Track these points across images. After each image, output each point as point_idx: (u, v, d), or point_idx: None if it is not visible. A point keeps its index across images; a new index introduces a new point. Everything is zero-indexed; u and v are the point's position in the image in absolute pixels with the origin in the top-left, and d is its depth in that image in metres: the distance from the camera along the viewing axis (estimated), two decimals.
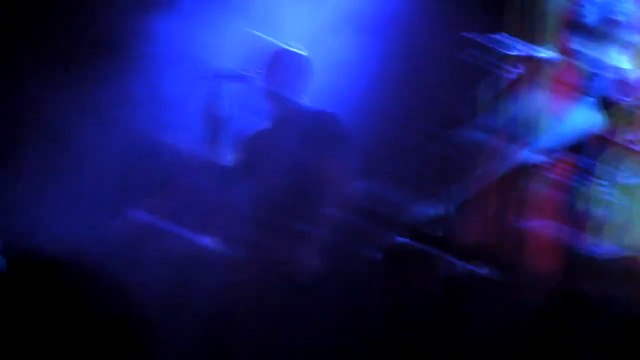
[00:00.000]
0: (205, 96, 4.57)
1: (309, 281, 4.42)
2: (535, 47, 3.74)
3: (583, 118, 3.52)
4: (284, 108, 4.70)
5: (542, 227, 3.98)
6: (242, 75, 4.56)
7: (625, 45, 3.66)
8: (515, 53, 3.69)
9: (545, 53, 3.73)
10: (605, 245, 3.44)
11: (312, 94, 4.85)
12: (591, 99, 3.55)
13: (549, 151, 3.47)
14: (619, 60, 3.65)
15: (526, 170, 3.49)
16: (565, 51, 3.78)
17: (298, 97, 4.72)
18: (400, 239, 3.76)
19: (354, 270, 6.07)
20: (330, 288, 4.95)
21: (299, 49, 4.77)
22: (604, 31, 3.66)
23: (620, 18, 3.64)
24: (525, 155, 3.47)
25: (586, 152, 3.59)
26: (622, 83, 3.53)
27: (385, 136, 6.13)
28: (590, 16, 3.67)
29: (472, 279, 3.83)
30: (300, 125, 4.61)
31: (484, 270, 3.75)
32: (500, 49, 3.67)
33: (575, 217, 3.56)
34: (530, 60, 3.72)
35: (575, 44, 3.73)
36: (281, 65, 4.69)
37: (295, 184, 4.53)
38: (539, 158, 3.45)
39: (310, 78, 4.74)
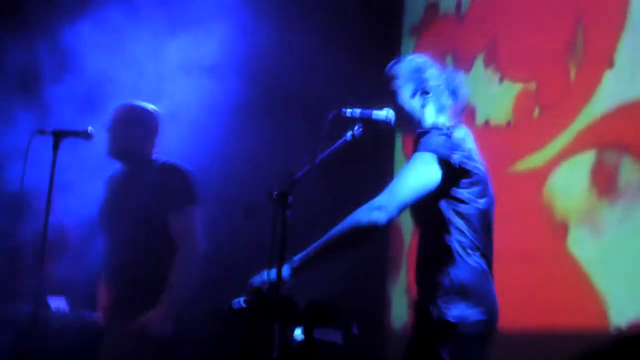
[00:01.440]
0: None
1: (159, 344, 4.31)
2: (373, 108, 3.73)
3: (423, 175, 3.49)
4: (132, 164, 4.60)
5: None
6: (84, 132, 4.44)
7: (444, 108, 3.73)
8: (352, 114, 3.68)
9: (382, 114, 3.71)
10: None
11: (166, 148, 4.77)
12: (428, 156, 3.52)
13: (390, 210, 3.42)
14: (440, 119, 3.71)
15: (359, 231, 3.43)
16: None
17: (149, 152, 4.62)
18: (239, 303, 3.68)
19: (200, 332, 6.01)
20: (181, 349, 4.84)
21: (147, 104, 4.68)
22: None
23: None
24: (360, 215, 3.43)
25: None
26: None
27: (233, 195, 6.11)
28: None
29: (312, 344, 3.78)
30: (147, 180, 4.51)
31: (322, 335, 3.71)
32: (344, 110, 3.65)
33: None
34: (368, 121, 3.70)
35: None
36: (129, 120, 4.59)
37: (142, 242, 4.42)
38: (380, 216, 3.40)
39: (159, 132, 4.66)
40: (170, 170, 4.52)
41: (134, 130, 4.59)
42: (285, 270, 3.44)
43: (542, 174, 5.58)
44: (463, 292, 3.43)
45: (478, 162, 3.58)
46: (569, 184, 5.41)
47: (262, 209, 3.46)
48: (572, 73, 5.50)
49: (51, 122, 4.70)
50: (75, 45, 5.89)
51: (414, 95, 3.71)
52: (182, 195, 4.47)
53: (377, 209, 3.41)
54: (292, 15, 6.57)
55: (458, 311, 3.41)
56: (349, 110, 3.69)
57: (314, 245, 3.47)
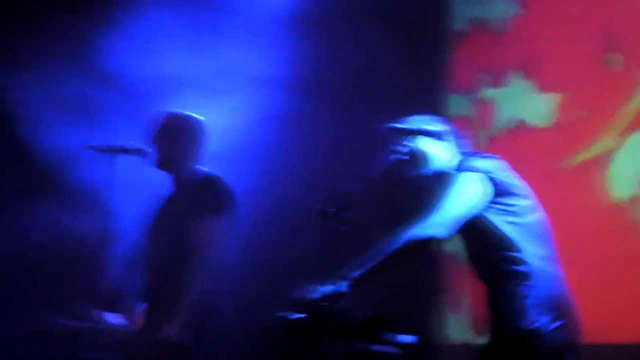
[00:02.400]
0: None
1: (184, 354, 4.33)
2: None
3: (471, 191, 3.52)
4: (176, 175, 4.62)
5: None
6: (136, 148, 4.48)
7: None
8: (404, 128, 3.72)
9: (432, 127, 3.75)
10: None
11: (212, 159, 4.80)
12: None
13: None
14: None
15: (418, 246, 3.46)
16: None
17: (192, 163, 4.62)
18: (293, 315, 3.72)
19: (245, 344, 6.04)
20: None
21: (191, 113, 4.69)
22: None
23: None
24: (418, 231, 3.46)
25: None
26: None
27: (280, 209, 6.14)
28: None
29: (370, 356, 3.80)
30: (185, 193, 4.53)
31: (380, 348, 3.72)
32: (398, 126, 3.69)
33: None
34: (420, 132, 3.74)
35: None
36: (172, 129, 4.60)
37: (174, 253, 4.45)
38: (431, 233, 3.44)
39: (202, 141, 4.66)
40: (205, 180, 4.53)
41: (177, 138, 4.59)
42: (343, 285, 3.45)
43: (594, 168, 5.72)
44: (549, 302, 3.47)
45: (521, 182, 3.64)
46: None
47: (311, 224, 3.48)
48: (611, 73, 5.76)
49: (106, 137, 4.72)
50: (123, 57, 5.96)
51: (439, 133, 3.76)
52: (209, 206, 4.46)
53: (435, 225, 3.45)
54: (340, 25, 6.61)
55: (546, 321, 3.45)
56: (400, 125, 3.73)
57: (370, 259, 3.49)
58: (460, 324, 6.61)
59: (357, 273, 3.49)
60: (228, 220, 4.48)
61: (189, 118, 4.66)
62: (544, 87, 6.25)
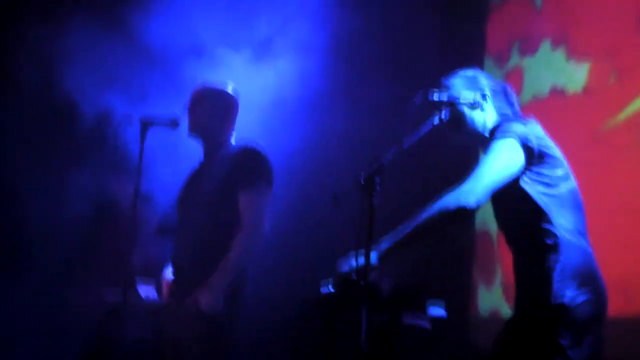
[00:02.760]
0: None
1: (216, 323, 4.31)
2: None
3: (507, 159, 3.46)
4: (211, 145, 4.62)
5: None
6: (171, 118, 4.46)
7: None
8: (439, 97, 3.65)
9: (469, 97, 3.69)
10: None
11: (250, 131, 4.78)
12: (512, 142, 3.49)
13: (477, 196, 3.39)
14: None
15: (448, 216, 3.40)
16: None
17: (226, 133, 4.62)
18: (327, 289, 3.69)
19: (279, 318, 6.03)
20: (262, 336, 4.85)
21: (225, 86, 4.69)
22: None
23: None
24: (448, 201, 3.40)
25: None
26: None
27: (317, 180, 6.12)
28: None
29: (400, 328, 3.78)
30: (224, 162, 4.52)
31: (410, 320, 3.70)
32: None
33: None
34: (453, 105, 3.67)
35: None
36: (207, 101, 4.61)
37: (213, 222, 4.43)
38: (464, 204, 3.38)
39: (237, 112, 4.66)
40: (245, 151, 4.52)
41: (212, 108, 4.60)
42: (373, 256, 3.41)
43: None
44: (576, 276, 3.41)
45: (556, 149, 3.57)
46: None
47: (350, 195, 3.44)
48: None
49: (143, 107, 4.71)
50: (152, 32, 5.96)
51: (473, 102, 3.67)
52: (252, 175, 4.46)
53: (464, 195, 3.39)
54: None
55: (572, 294, 3.39)
56: (436, 95, 3.66)
57: (402, 230, 3.45)
58: (492, 296, 6.56)
59: (386, 245, 3.44)
60: (271, 191, 4.47)
61: (223, 89, 4.67)
62: (577, 55, 6.21)
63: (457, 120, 3.69)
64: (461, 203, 3.38)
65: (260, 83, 5.75)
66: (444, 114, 3.65)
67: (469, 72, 3.82)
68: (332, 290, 3.62)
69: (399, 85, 6.01)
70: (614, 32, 5.89)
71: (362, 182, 3.38)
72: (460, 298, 6.75)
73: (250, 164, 4.47)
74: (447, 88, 3.74)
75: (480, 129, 3.71)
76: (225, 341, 4.38)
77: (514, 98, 3.81)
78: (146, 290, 5.20)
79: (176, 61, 5.84)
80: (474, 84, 3.75)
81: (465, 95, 3.70)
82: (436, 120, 3.63)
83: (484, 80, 3.79)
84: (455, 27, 6.79)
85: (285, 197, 4.94)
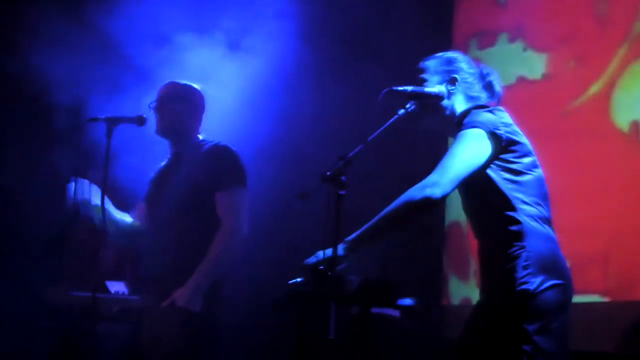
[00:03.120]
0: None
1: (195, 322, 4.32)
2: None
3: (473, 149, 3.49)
4: (180, 143, 4.61)
5: None
6: (138, 117, 4.46)
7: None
8: (404, 91, 3.68)
9: (434, 89, 3.71)
10: None
11: (216, 129, 4.78)
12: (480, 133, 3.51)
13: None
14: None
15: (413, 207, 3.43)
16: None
17: (193, 132, 4.62)
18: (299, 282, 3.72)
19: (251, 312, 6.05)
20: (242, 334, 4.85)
21: (192, 82, 4.68)
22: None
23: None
24: (414, 192, 3.42)
25: None
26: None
27: (287, 177, 6.12)
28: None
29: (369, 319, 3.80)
30: (196, 160, 4.52)
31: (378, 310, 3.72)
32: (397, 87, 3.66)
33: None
34: (420, 97, 3.69)
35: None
36: (173, 100, 4.60)
37: (187, 222, 4.43)
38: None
39: (204, 109, 4.66)
40: (221, 151, 4.53)
41: (180, 106, 4.60)
42: (340, 249, 3.43)
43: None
44: (540, 263, 3.45)
45: (523, 137, 3.60)
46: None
47: (317, 190, 3.46)
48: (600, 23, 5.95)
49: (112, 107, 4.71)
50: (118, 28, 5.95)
51: (437, 93, 3.70)
52: (232, 176, 4.47)
53: (430, 186, 3.43)
54: None
55: (537, 281, 3.42)
56: (400, 88, 3.68)
57: (368, 223, 3.47)
58: (463, 285, 6.61)
59: (352, 236, 3.46)
60: (247, 192, 4.48)
61: (190, 87, 4.67)
62: (535, 45, 6.37)
63: (422, 110, 3.71)
64: (426, 194, 3.41)
65: (229, 76, 5.75)
66: (409, 105, 3.68)
67: (449, 54, 3.84)
68: (299, 284, 3.65)
69: (367, 77, 6.05)
70: (570, 22, 6.08)
71: (328, 176, 3.40)
72: (432, 290, 6.79)
73: (226, 165, 4.48)
74: (422, 70, 3.76)
75: (448, 115, 3.72)
76: (203, 340, 4.39)
77: (493, 83, 3.82)
78: (117, 287, 5.20)
79: (142, 54, 5.84)
80: (448, 66, 3.77)
81: (430, 85, 3.72)
82: (401, 112, 3.66)
83: (462, 64, 3.80)
84: (423, 18, 6.81)
85: (255, 193, 4.94)
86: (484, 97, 3.79)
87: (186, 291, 4.31)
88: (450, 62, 3.79)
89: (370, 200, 4.03)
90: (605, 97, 5.84)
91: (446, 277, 6.87)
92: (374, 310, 3.55)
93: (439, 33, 6.92)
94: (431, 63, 3.79)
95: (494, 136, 3.52)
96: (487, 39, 6.74)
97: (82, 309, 4.92)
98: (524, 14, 6.47)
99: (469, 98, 3.75)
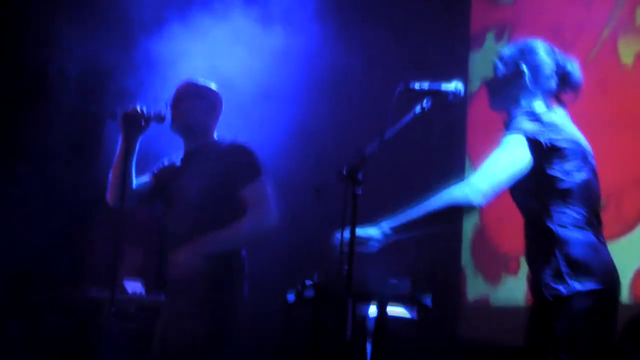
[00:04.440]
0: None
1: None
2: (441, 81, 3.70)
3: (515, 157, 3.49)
4: (195, 141, 4.59)
5: None
6: (157, 114, 4.44)
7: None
8: (420, 87, 3.64)
9: (451, 86, 3.68)
10: None
11: (233, 128, 4.78)
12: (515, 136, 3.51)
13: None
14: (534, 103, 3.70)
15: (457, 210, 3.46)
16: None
17: (209, 131, 4.60)
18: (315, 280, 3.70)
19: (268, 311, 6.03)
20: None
21: (209, 83, 4.67)
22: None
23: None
24: (459, 195, 3.44)
25: None
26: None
27: (304, 174, 6.12)
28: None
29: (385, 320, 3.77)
30: (213, 159, 4.50)
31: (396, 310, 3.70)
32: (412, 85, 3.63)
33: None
34: (437, 93, 3.66)
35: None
36: (190, 98, 4.58)
37: (207, 220, 4.41)
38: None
39: (221, 109, 4.64)
40: (238, 149, 4.51)
41: (196, 104, 4.57)
42: (377, 233, 3.44)
43: None
44: (574, 269, 3.43)
45: (572, 137, 3.56)
46: None
47: (333, 187, 3.44)
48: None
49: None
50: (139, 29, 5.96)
51: (455, 91, 3.66)
52: (252, 170, 4.45)
53: (474, 192, 3.43)
54: None
55: (570, 286, 3.42)
56: (417, 84, 3.65)
57: (407, 214, 3.46)
58: (482, 284, 6.59)
59: (393, 224, 3.46)
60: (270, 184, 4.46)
61: (207, 87, 4.65)
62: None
63: (496, 89, 3.73)
64: (470, 200, 3.42)
65: (245, 74, 5.75)
66: (425, 103, 3.64)
67: (530, 43, 3.77)
68: (315, 282, 3.64)
69: (383, 75, 6.03)
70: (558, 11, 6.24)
71: (344, 173, 3.38)
72: (448, 287, 6.77)
73: (245, 162, 4.46)
74: (500, 56, 3.74)
75: (510, 105, 3.70)
76: (221, 339, 4.36)
77: (571, 72, 3.74)
78: (134, 287, 5.20)
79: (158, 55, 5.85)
80: (521, 57, 3.71)
81: (499, 74, 3.71)
82: (418, 110, 3.63)
83: (537, 56, 3.72)
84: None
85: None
86: (553, 89, 3.72)
87: (188, 249, 4.28)
88: (525, 52, 3.73)
89: (387, 194, 4.01)
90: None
91: (464, 274, 6.84)
92: (390, 311, 3.54)
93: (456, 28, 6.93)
94: (507, 51, 3.76)
95: (534, 143, 3.49)
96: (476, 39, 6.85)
97: (99, 307, 4.92)
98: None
99: (536, 92, 3.70)
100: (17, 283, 5.85)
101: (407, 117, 3.59)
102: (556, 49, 3.77)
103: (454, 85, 3.67)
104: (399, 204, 3.53)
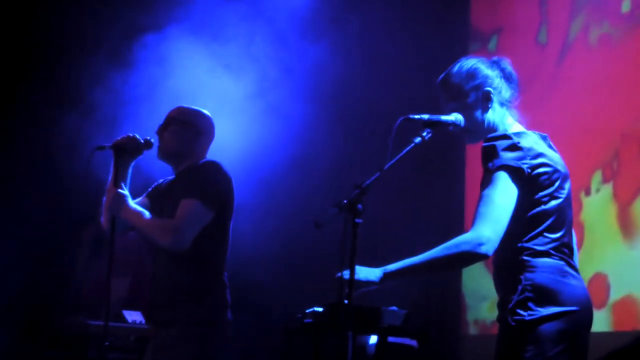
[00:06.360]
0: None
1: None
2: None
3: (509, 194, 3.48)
4: (181, 167, 4.51)
5: None
6: (146, 141, 4.41)
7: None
8: (420, 118, 3.64)
9: (451, 117, 3.68)
10: None
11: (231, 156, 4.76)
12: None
13: None
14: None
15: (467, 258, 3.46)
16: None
17: (196, 159, 4.49)
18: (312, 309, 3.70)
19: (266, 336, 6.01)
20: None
21: (200, 108, 4.60)
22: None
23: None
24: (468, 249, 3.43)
25: None
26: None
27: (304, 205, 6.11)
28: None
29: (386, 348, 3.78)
30: (189, 176, 4.43)
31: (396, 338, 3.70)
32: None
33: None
34: (436, 125, 3.66)
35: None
36: (181, 122, 4.49)
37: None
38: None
39: (211, 137, 4.57)
40: (206, 165, 4.41)
41: (179, 132, 4.48)
42: (376, 276, 3.45)
43: None
44: (539, 294, 3.42)
45: (550, 161, 3.55)
46: None
47: (333, 218, 3.43)
48: None
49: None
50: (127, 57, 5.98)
51: (454, 121, 3.66)
52: (201, 189, 4.33)
53: (485, 243, 3.41)
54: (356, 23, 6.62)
55: (534, 311, 3.40)
56: (416, 116, 3.65)
57: (412, 260, 3.46)
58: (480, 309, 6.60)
59: (393, 268, 3.47)
60: (209, 207, 4.34)
61: (199, 112, 4.57)
62: None
63: (467, 125, 3.67)
64: (482, 251, 3.41)
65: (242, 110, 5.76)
66: (425, 133, 3.63)
67: (467, 65, 3.72)
68: (318, 310, 3.63)
69: (384, 82, 6.02)
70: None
71: (344, 205, 3.38)
72: (448, 313, 6.76)
73: (202, 178, 4.36)
74: (447, 91, 3.70)
75: (486, 129, 3.67)
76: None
77: (510, 71, 3.72)
78: (134, 317, 5.17)
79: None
80: (474, 81, 3.68)
81: (462, 108, 3.66)
82: (417, 140, 3.61)
83: (485, 71, 3.70)
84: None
85: (270, 219, 4.91)
86: (510, 93, 3.70)
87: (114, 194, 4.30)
88: (474, 74, 3.70)
89: (387, 225, 4.01)
90: None
91: (464, 299, 6.83)
92: (392, 339, 3.54)
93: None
94: (454, 82, 3.70)
95: (517, 171, 3.48)
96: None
97: (97, 338, 4.90)
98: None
99: (502, 103, 3.68)
100: (9, 314, 5.83)
101: (407, 149, 3.59)
102: (484, 58, 3.76)
103: (454, 117, 3.67)
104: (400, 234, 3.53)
